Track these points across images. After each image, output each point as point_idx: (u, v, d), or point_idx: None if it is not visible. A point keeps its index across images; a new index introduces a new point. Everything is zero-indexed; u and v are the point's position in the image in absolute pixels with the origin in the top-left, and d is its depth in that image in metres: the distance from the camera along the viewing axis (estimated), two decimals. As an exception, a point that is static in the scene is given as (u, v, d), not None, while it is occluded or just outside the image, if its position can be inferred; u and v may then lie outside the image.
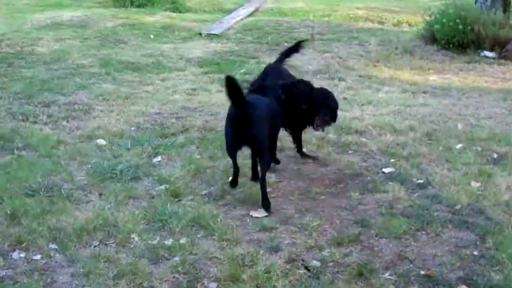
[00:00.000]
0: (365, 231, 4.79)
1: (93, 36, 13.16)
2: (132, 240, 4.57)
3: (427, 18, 13.21)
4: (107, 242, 4.54)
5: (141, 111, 7.75)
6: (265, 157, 5.36)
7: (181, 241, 4.54)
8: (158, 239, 4.59)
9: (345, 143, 6.73)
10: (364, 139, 6.85)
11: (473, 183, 5.67)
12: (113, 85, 9.10)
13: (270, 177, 5.72)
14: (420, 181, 5.73)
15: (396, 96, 8.99)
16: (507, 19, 12.84)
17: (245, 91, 5.48)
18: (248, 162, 5.90)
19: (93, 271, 4.15)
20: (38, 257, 4.34)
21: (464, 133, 7.13)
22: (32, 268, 4.20)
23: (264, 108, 5.37)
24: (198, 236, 4.67)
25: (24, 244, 4.46)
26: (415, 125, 7.37)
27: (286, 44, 12.60)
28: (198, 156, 6.24)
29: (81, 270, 4.18)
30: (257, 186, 5.41)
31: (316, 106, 6.02)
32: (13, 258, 4.32)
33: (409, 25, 16.87)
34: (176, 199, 5.27)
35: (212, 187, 5.54)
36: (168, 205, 5.09)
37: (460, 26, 12.24)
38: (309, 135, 6.75)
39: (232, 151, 5.40)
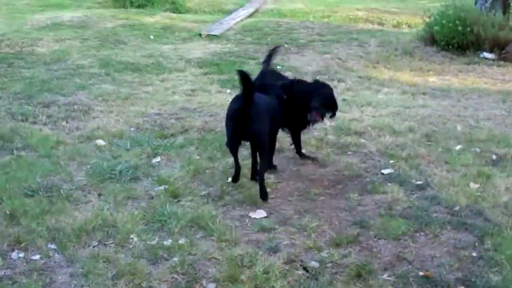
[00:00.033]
0: (364, 232, 4.79)
1: (93, 37, 13.16)
2: (131, 240, 4.57)
3: (427, 20, 13.23)
4: (106, 242, 4.54)
5: (141, 111, 7.76)
6: (265, 152, 5.48)
7: (180, 242, 4.55)
8: (157, 239, 4.59)
9: (344, 144, 6.73)
10: (363, 140, 6.86)
11: (472, 185, 5.67)
12: (113, 85, 9.10)
13: (269, 178, 5.73)
14: (419, 182, 5.73)
15: (396, 97, 9.00)
16: (506, 21, 12.85)
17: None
18: (247, 162, 5.91)
19: (92, 271, 4.15)
20: (37, 257, 4.34)
21: (463, 134, 7.13)
22: (31, 268, 4.20)
23: (265, 105, 5.44)
24: (197, 236, 4.68)
25: (23, 244, 4.47)
26: (414, 126, 7.38)
27: (286, 45, 12.65)
28: (198, 157, 6.24)
29: (80, 270, 4.18)
30: (256, 187, 5.44)
31: (309, 98, 6.02)
32: (12, 258, 4.33)
33: (409, 26, 16.90)
34: (175, 200, 5.27)
35: (211, 188, 5.54)
36: (167, 205, 5.10)
37: (460, 28, 12.25)
38: (308, 136, 6.76)
39: (233, 148, 5.49)
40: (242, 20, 16.40)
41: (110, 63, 10.60)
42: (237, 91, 6.12)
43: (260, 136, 5.33)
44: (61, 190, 5.34)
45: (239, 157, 5.62)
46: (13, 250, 4.41)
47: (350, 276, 4.19)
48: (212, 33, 14.04)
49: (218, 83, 9.34)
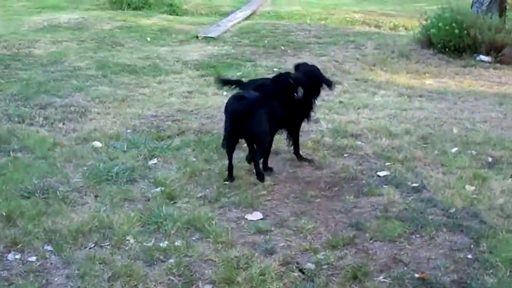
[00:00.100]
0: (360, 234, 4.80)
1: (90, 39, 13.16)
2: (127, 242, 4.57)
3: (424, 22, 13.25)
4: (103, 244, 4.55)
5: (137, 113, 7.76)
6: (263, 145, 5.76)
7: (176, 244, 4.55)
8: (153, 241, 4.60)
9: (340, 146, 6.74)
10: (359, 143, 6.86)
11: (467, 187, 5.68)
12: (110, 87, 9.11)
13: (266, 180, 5.74)
14: (415, 184, 5.74)
15: (392, 99, 9.01)
16: (503, 24, 12.87)
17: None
18: (244, 165, 5.95)
19: (88, 273, 4.15)
20: (34, 258, 4.34)
21: (460, 137, 7.14)
22: (27, 269, 4.20)
23: (263, 105, 5.54)
24: (193, 238, 4.68)
25: (20, 245, 4.47)
26: (410, 128, 7.38)
27: (282, 47, 12.67)
28: (194, 159, 6.25)
29: (76, 272, 4.18)
30: (252, 189, 5.47)
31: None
32: (9, 260, 4.33)
33: (406, 29, 16.93)
34: (172, 202, 5.28)
35: (207, 190, 5.55)
36: (164, 207, 5.10)
37: (456, 31, 12.27)
38: (305, 138, 6.77)
39: (230, 148, 5.65)
40: (239, 22, 16.40)
41: (107, 65, 10.60)
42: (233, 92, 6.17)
43: (258, 137, 5.46)
44: (58, 192, 5.35)
45: (234, 157, 5.73)
46: (9, 252, 4.42)
47: (346, 278, 4.19)
48: (209, 35, 14.05)
49: (214, 85, 9.33)
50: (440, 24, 12.50)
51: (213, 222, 4.89)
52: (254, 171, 5.79)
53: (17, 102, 8.08)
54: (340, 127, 7.32)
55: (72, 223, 4.78)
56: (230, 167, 5.73)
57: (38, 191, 5.32)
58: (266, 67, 10.76)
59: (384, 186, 5.70)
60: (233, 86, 6.47)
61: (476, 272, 4.27)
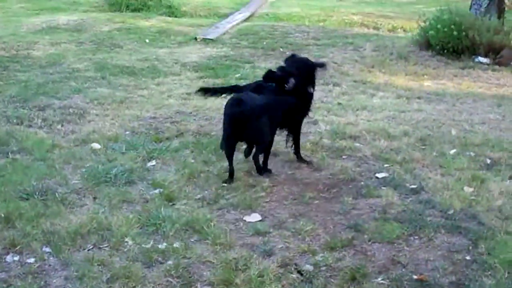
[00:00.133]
0: (358, 235, 4.80)
1: (88, 40, 13.16)
2: (126, 243, 4.57)
3: (422, 24, 13.24)
4: (101, 246, 4.55)
5: (136, 115, 7.76)
6: (264, 144, 5.87)
7: (174, 245, 4.55)
8: (151, 243, 4.60)
9: (339, 148, 6.74)
10: (358, 144, 6.86)
11: (466, 189, 5.68)
12: (108, 89, 9.11)
13: (264, 181, 5.75)
14: (413, 186, 5.74)
15: (391, 101, 9.01)
16: (501, 26, 12.88)
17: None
18: (243, 166, 5.96)
19: (86, 274, 4.15)
20: (32, 260, 4.34)
21: (458, 138, 7.15)
22: (25, 271, 4.21)
23: (262, 106, 5.63)
24: (192, 240, 4.68)
25: (18, 247, 4.47)
26: (409, 130, 7.39)
27: (281, 49, 12.68)
28: (193, 161, 6.25)
29: (75, 273, 4.18)
30: (250, 191, 5.48)
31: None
32: (7, 261, 4.33)
33: (404, 30, 16.95)
34: (170, 203, 5.28)
35: (206, 192, 5.55)
36: (162, 209, 5.10)
37: (455, 32, 12.27)
38: (303, 140, 6.75)
39: (229, 150, 5.71)
40: (238, 24, 16.41)
41: (106, 66, 10.60)
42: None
43: (258, 138, 5.54)
44: (56, 194, 5.35)
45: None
46: (8, 253, 4.42)
47: (344, 279, 4.20)
48: (208, 37, 14.05)
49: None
50: (439, 26, 12.50)
51: (212, 223, 4.89)
52: (254, 166, 5.89)
53: (15, 104, 8.08)
54: (338, 128, 7.32)
55: (71, 224, 4.78)
56: (231, 170, 5.75)
57: (37, 193, 5.32)
58: (265, 69, 10.71)
59: (383, 187, 5.71)
60: (227, 92, 6.50)
61: (475, 274, 4.27)
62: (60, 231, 4.68)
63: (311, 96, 6.25)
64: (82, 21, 15.36)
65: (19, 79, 9.47)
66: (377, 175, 6.01)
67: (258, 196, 5.46)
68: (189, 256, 4.43)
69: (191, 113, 7.95)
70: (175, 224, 4.83)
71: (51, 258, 4.38)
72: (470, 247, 4.62)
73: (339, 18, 18.51)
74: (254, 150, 5.95)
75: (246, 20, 17.65)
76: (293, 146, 6.37)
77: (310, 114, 6.53)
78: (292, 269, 4.32)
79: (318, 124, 7.47)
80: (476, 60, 12.17)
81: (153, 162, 6.20)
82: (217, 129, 7.05)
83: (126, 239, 4.62)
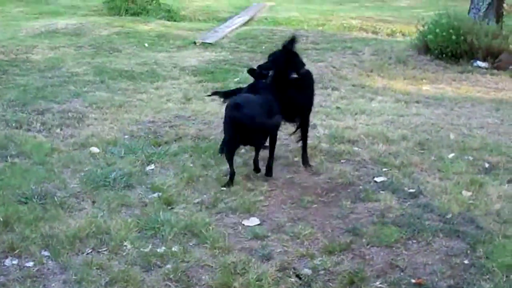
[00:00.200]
0: (357, 239, 4.81)
1: (87, 44, 13.15)
2: (124, 247, 4.58)
3: (421, 28, 13.25)
4: (100, 250, 4.56)
5: (135, 119, 7.77)
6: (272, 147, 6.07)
7: (173, 249, 4.56)
8: (150, 246, 4.61)
9: (337, 152, 6.75)
10: (356, 148, 6.87)
11: (464, 193, 5.69)
12: (107, 93, 9.11)
13: (263, 185, 5.76)
14: (411, 190, 5.75)
15: (389, 105, 9.02)
16: (500, 30, 12.89)
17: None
18: (241, 170, 5.97)
19: (85, 278, 4.16)
20: (31, 264, 4.35)
21: (456, 142, 7.15)
22: (24, 275, 4.21)
23: (260, 106, 5.71)
24: (190, 244, 4.69)
25: (17, 251, 4.47)
26: (407, 134, 7.39)
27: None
28: (191, 165, 6.25)
29: (74, 277, 4.19)
30: (249, 195, 5.49)
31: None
32: (6, 265, 4.33)
33: (403, 35, 16.94)
34: (169, 207, 5.29)
35: (204, 196, 5.56)
36: (161, 213, 5.11)
37: (453, 36, 12.28)
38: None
39: (231, 154, 5.78)
40: (237, 28, 16.40)
41: (105, 70, 10.60)
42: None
43: (261, 139, 5.61)
44: (55, 197, 5.35)
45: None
46: (6, 257, 4.42)
47: (342, 283, 4.21)
48: (207, 41, 14.05)
49: (212, 91, 9.35)
50: (437, 30, 12.51)
51: (210, 227, 4.90)
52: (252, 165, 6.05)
53: (14, 108, 8.08)
54: (337, 133, 7.32)
55: (69, 228, 4.78)
56: (232, 172, 5.77)
57: (36, 197, 5.33)
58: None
59: (381, 191, 5.72)
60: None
61: (473, 278, 4.28)
62: (59, 235, 4.69)
63: (306, 80, 6.35)
64: (81, 25, 15.34)
65: (18, 83, 9.47)
66: (375, 179, 6.02)
67: (257, 200, 5.47)
68: (188, 260, 4.44)
69: (190, 117, 7.95)
70: (173, 228, 4.84)
71: (50, 262, 4.38)
72: (468, 251, 4.63)
73: (338, 23, 18.51)
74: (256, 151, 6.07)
75: (245, 24, 17.65)
76: (302, 140, 6.40)
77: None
78: (291, 273, 4.33)
79: (316, 128, 7.47)
80: (475, 64, 12.18)
81: (152, 166, 6.20)
82: (216, 133, 7.06)
83: (125, 243, 4.62)
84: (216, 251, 4.56)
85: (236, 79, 10.09)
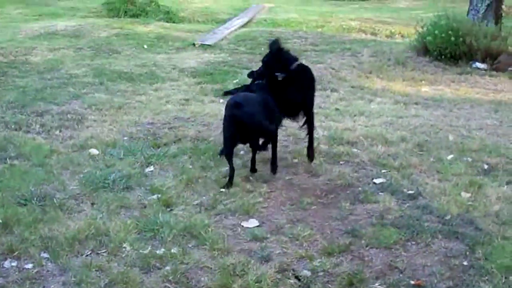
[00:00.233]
0: (356, 241, 4.81)
1: (87, 46, 13.16)
2: (123, 249, 4.58)
3: (420, 30, 13.27)
4: (99, 251, 4.56)
5: (134, 121, 7.77)
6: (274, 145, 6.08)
7: (172, 251, 4.56)
8: (149, 248, 4.61)
9: (336, 153, 6.75)
10: (355, 150, 6.87)
11: (463, 194, 5.69)
12: (106, 95, 9.11)
13: (262, 187, 5.76)
14: (410, 191, 5.75)
15: (388, 107, 9.03)
16: (499, 31, 12.91)
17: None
18: (240, 172, 5.97)
19: (84, 280, 4.16)
20: (30, 266, 4.35)
21: (455, 144, 7.15)
22: (23, 277, 4.21)
23: (259, 106, 5.77)
24: (190, 245, 4.69)
25: (16, 253, 4.48)
26: (406, 136, 7.39)
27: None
28: (190, 166, 6.25)
29: (73, 279, 4.19)
30: (248, 196, 5.50)
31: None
32: (5, 267, 4.33)
33: (402, 36, 16.95)
34: (168, 209, 5.29)
35: (204, 197, 5.56)
36: (160, 214, 5.11)
37: (452, 38, 12.29)
38: (301, 145, 6.78)
39: (230, 153, 5.80)
40: (236, 30, 16.41)
41: (104, 72, 10.60)
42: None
43: (260, 137, 5.66)
44: (54, 199, 5.35)
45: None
46: (5, 259, 4.42)
47: (341, 285, 4.21)
48: (206, 43, 14.06)
49: (211, 93, 9.36)
50: (436, 32, 12.52)
51: (209, 229, 4.90)
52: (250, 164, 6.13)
53: (13, 110, 8.08)
54: (336, 134, 7.33)
55: (69, 230, 4.78)
56: (232, 170, 5.79)
57: (35, 198, 5.33)
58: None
59: (380, 193, 5.72)
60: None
61: (472, 279, 4.28)
62: (58, 236, 4.69)
63: (301, 73, 6.43)
64: (80, 27, 15.36)
65: (17, 85, 9.48)
66: (374, 180, 6.02)
67: (256, 202, 5.47)
68: (187, 261, 4.44)
69: (189, 118, 7.96)
70: (173, 230, 4.84)
71: (49, 264, 4.38)
72: (467, 253, 4.63)
73: (337, 24, 18.52)
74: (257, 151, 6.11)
75: (244, 26, 17.65)
76: (308, 134, 6.43)
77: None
78: (290, 274, 4.33)
79: (315, 129, 7.45)
80: (474, 65, 12.19)
81: (151, 168, 6.20)
82: (215, 134, 7.07)
83: (124, 245, 4.62)
84: (215, 253, 4.56)
85: (235, 81, 10.09)
